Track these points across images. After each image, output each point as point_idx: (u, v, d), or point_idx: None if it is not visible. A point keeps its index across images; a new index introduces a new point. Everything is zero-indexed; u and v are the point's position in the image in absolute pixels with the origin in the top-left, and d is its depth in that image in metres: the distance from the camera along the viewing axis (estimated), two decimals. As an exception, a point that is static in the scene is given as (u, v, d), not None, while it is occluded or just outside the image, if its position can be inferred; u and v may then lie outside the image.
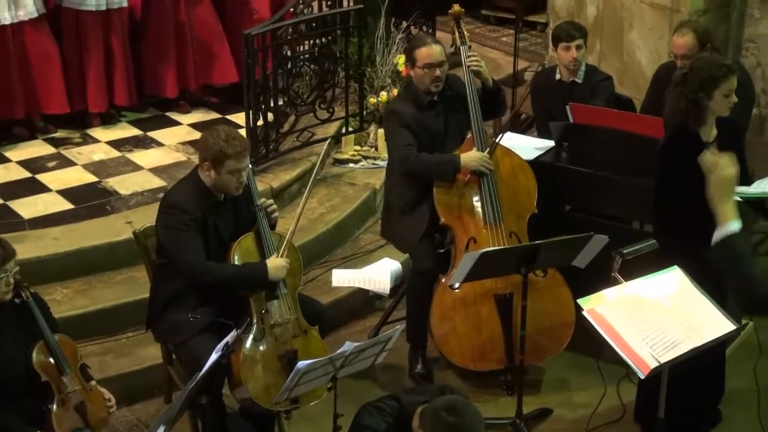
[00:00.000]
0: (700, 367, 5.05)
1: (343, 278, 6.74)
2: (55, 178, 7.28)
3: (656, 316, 4.56)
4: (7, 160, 7.49)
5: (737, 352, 6.01)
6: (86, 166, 7.46)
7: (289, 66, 7.57)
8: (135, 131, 8.02)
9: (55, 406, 4.82)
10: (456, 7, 6.28)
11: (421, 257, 6.00)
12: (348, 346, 4.73)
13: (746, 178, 5.35)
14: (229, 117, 8.17)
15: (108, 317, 6.15)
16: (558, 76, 6.92)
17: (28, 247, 6.26)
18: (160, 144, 7.83)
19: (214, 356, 4.70)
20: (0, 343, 4.80)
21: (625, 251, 5.28)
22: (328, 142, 6.21)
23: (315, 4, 8.02)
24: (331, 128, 7.91)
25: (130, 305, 6.14)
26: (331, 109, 7.79)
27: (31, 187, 7.16)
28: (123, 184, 7.21)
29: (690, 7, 7.75)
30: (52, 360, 4.86)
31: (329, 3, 8.06)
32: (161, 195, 6.87)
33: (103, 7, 7.66)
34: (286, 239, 5.35)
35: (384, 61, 8.30)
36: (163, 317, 5.32)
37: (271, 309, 5.26)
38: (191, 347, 5.17)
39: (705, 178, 3.94)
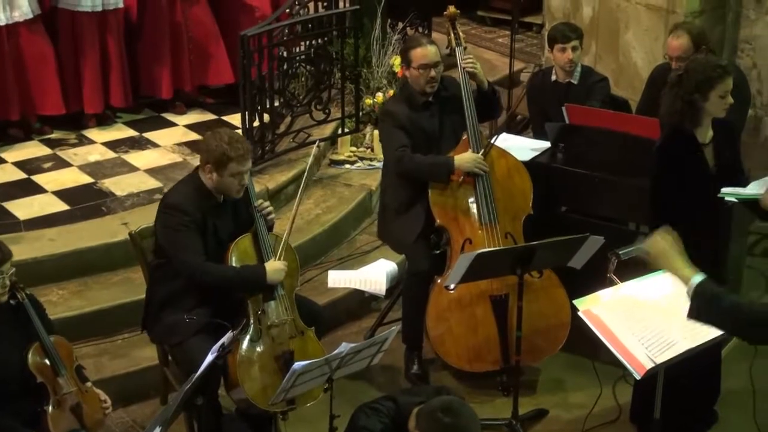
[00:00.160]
0: (696, 368, 5.05)
1: (339, 279, 6.75)
2: (51, 179, 7.27)
3: (652, 317, 4.56)
4: (3, 161, 7.48)
5: (733, 352, 6.01)
6: (82, 167, 7.45)
7: (285, 67, 7.57)
8: (131, 132, 8.01)
9: (50, 408, 4.81)
10: (451, 9, 6.28)
11: (416, 258, 6.01)
12: (344, 347, 4.73)
13: (742, 180, 5.36)
14: (224, 118, 8.17)
15: (104, 318, 6.15)
16: (554, 77, 6.92)
17: (24, 248, 6.26)
18: (155, 145, 7.83)
19: (210, 357, 4.70)
20: (-5, 344, 4.81)
21: (620, 252, 5.28)
22: (316, 144, 6.18)
23: (311, 5, 8.02)
24: (327, 129, 7.92)
25: (126, 306, 6.14)
26: (327, 110, 7.79)
27: (26, 188, 7.15)
28: (119, 185, 7.20)
29: (685, 9, 7.76)
30: (47, 361, 4.85)
31: (325, 4, 8.06)
32: (157, 196, 6.90)
33: (99, 8, 7.65)
34: (283, 241, 5.35)
35: (380, 62, 8.31)
36: (159, 318, 5.32)
37: (268, 310, 5.27)
38: (187, 348, 5.17)
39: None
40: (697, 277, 4.01)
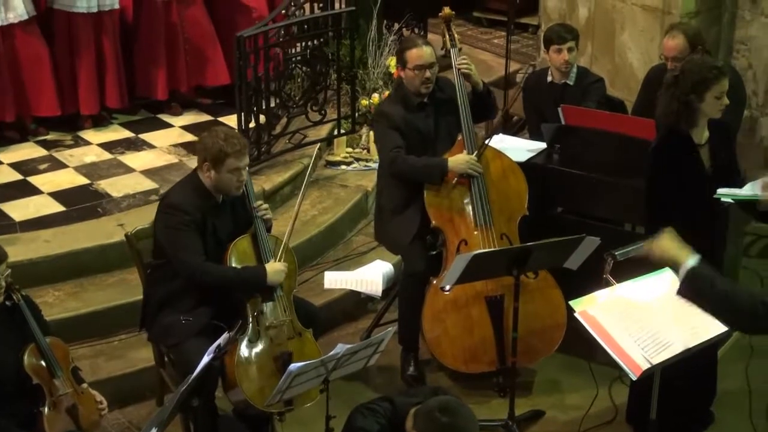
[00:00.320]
0: (692, 369, 5.05)
1: (336, 280, 6.75)
2: (47, 181, 7.27)
3: (648, 318, 4.56)
4: (-1, 163, 7.49)
5: (729, 353, 6.02)
6: (78, 169, 7.45)
7: (280, 68, 7.57)
8: (126, 133, 8.01)
9: (46, 409, 4.81)
10: (446, 10, 6.28)
11: (412, 259, 6.01)
12: (340, 348, 4.73)
13: (738, 180, 5.36)
14: (220, 119, 8.17)
15: (100, 320, 6.14)
16: (550, 78, 6.92)
17: (20, 250, 6.25)
18: (151, 146, 7.82)
19: (206, 358, 4.70)
20: (-9, 346, 4.81)
21: (617, 253, 5.28)
22: (317, 146, 6.19)
23: (307, 6, 8.02)
24: (323, 130, 7.91)
25: (122, 308, 6.14)
26: (323, 112, 7.79)
27: (22, 190, 7.14)
28: (115, 187, 7.20)
29: (681, 9, 7.76)
30: (43, 363, 4.85)
31: (321, 5, 8.06)
32: (153, 197, 6.90)
33: (95, 9, 7.64)
34: (284, 243, 5.37)
35: (376, 63, 8.31)
36: (157, 319, 5.32)
37: (266, 310, 5.28)
38: (184, 350, 5.17)
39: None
40: (693, 259, 4.03)
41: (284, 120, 7.68)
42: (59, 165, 7.49)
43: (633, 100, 7.06)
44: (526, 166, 6.23)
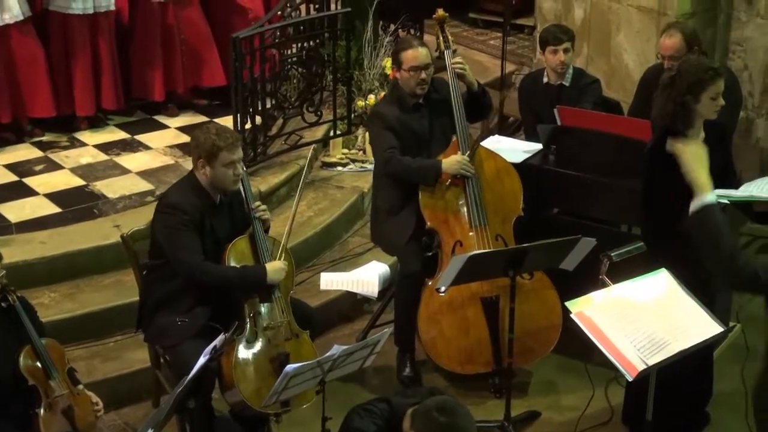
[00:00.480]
0: (688, 370, 5.05)
1: (332, 281, 6.75)
2: (43, 182, 7.26)
3: (644, 319, 4.57)
4: (-6, 164, 7.49)
5: (725, 353, 6.02)
6: (74, 170, 7.44)
7: (276, 69, 7.56)
8: (122, 135, 8.01)
9: (42, 411, 4.81)
10: (440, 12, 6.29)
11: (408, 260, 6.01)
12: (336, 349, 4.73)
13: (734, 181, 5.36)
14: (216, 120, 8.14)
15: (95, 321, 6.14)
16: (545, 79, 6.92)
17: (16, 251, 6.24)
18: (147, 147, 7.82)
19: (202, 360, 4.70)
20: (-13, 347, 4.80)
21: (612, 254, 5.29)
22: (312, 148, 6.19)
23: (303, 8, 8.02)
24: (319, 131, 7.91)
25: (118, 309, 6.13)
26: (318, 113, 7.78)
27: (18, 191, 7.14)
28: (110, 188, 7.19)
29: (677, 10, 7.77)
30: (39, 364, 4.85)
31: (317, 6, 8.06)
32: (149, 198, 6.90)
33: (90, 11, 7.64)
34: (282, 243, 5.38)
35: (372, 64, 8.30)
36: (153, 320, 5.32)
37: (263, 312, 5.28)
38: (180, 351, 5.17)
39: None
40: (712, 196, 3.95)
41: (280, 121, 7.67)
42: (55, 166, 7.49)
43: (629, 101, 7.07)
44: (522, 167, 6.24)
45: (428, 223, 5.96)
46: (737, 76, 7.19)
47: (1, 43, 7.41)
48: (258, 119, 7.37)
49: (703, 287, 4.82)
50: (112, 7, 7.79)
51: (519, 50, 10.69)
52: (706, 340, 4.60)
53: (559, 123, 6.52)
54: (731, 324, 5.93)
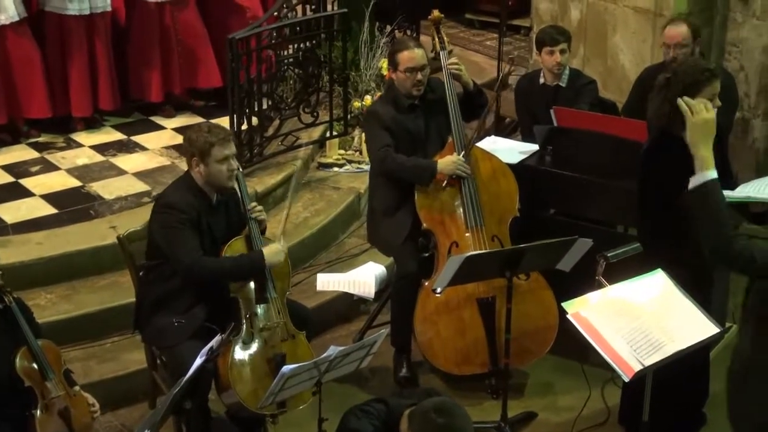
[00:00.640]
0: (684, 370, 5.05)
1: (328, 282, 6.75)
2: (39, 183, 7.26)
3: (640, 319, 4.56)
4: (-9, 165, 7.48)
5: (721, 354, 6.01)
6: (70, 171, 7.44)
7: (273, 70, 7.56)
8: (119, 135, 8.00)
9: (38, 412, 4.80)
10: (435, 13, 6.30)
11: (404, 260, 6.01)
12: (333, 350, 4.73)
13: (730, 182, 5.36)
14: (213, 121, 8.13)
15: (92, 322, 6.13)
16: (542, 80, 6.93)
17: (12, 252, 6.24)
18: (143, 148, 7.81)
19: (198, 360, 4.70)
20: (-17, 348, 4.79)
21: (609, 254, 5.29)
22: (310, 148, 6.20)
23: (299, 8, 8.02)
24: (316, 132, 7.91)
25: (114, 310, 6.13)
26: (315, 113, 7.79)
27: (14, 192, 7.13)
28: (107, 189, 7.19)
29: (673, 11, 7.78)
30: (35, 365, 4.84)
31: (313, 7, 8.06)
32: (145, 199, 6.90)
33: (87, 12, 7.64)
34: (280, 229, 5.38)
35: (368, 65, 8.31)
36: (151, 321, 5.32)
37: (259, 313, 5.28)
38: (177, 352, 5.17)
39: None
40: (713, 173, 3.95)
41: (277, 122, 7.67)
42: (51, 167, 7.48)
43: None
44: (519, 168, 6.24)
45: (424, 224, 5.96)
46: (733, 77, 7.18)
47: (-3, 44, 7.42)
48: (254, 120, 7.36)
49: (699, 288, 4.81)
50: (109, 8, 7.79)
51: (515, 51, 10.69)
52: (703, 340, 4.59)
53: (555, 124, 6.52)
54: (727, 325, 5.91)
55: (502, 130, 8.44)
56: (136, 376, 5.86)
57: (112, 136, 8.00)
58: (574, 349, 5.45)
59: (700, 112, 4.07)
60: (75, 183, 7.28)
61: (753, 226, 5.60)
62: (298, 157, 7.58)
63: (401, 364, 6.12)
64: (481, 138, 6.53)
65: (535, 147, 6.51)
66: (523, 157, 6.44)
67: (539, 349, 6.03)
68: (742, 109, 7.69)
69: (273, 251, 5.27)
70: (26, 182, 7.26)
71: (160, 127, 8.15)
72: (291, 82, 7.90)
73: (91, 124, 8.04)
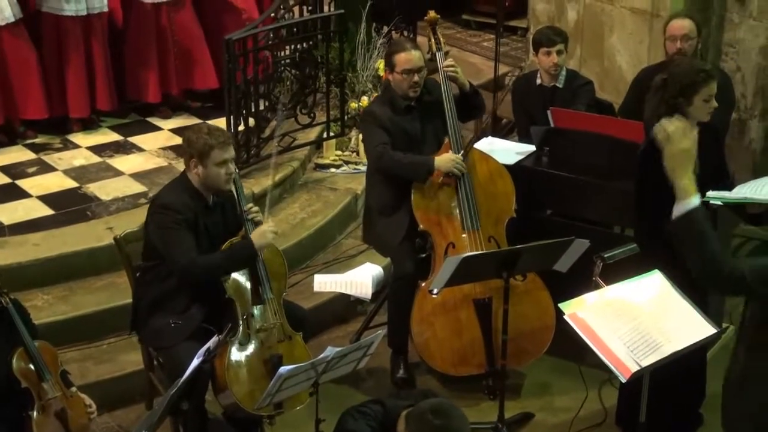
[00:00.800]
0: (681, 371, 5.06)
1: (325, 283, 6.75)
2: (36, 184, 7.25)
3: (637, 320, 4.57)
4: (-13, 166, 7.47)
5: (718, 355, 6.01)
6: (67, 172, 7.44)
7: (269, 71, 7.56)
8: (115, 136, 8.00)
9: (35, 413, 4.80)
10: (431, 14, 6.29)
11: (401, 261, 6.00)
12: (330, 351, 4.73)
13: (727, 183, 5.36)
14: (210, 122, 8.13)
15: (89, 323, 6.13)
16: (539, 81, 6.93)
17: (8, 253, 6.24)
18: (140, 149, 7.81)
19: (195, 362, 4.70)
20: (-20, 349, 4.79)
21: (606, 255, 5.29)
22: (289, 143, 6.20)
23: (296, 9, 8.02)
24: (313, 133, 7.91)
25: (111, 311, 6.13)
26: (312, 114, 7.79)
27: (11, 193, 7.13)
28: (104, 190, 7.19)
29: (670, 11, 7.76)
30: (32, 366, 4.84)
31: (310, 8, 8.06)
32: (142, 200, 6.89)
33: (83, 13, 7.63)
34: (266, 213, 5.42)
35: (365, 66, 8.30)
36: (148, 322, 5.31)
37: (256, 313, 5.27)
38: (174, 353, 5.17)
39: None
40: (695, 200, 3.89)
41: (273, 123, 7.67)
42: (48, 168, 7.48)
43: (622, 103, 7.08)
44: (515, 169, 6.24)
45: (421, 225, 5.95)
46: (730, 78, 7.19)
47: (-6, 45, 7.42)
48: (251, 121, 7.36)
49: (696, 288, 4.81)
50: (106, 9, 7.78)
51: (512, 52, 10.69)
52: (700, 341, 4.60)
53: (552, 124, 6.52)
54: (724, 325, 5.90)
55: (499, 130, 8.44)
56: (132, 377, 5.86)
57: (109, 137, 7.99)
58: (571, 350, 5.44)
59: (679, 142, 4.00)
60: (72, 184, 7.28)
61: (750, 227, 5.62)
62: (295, 158, 7.58)
63: (398, 365, 6.12)
64: (479, 139, 6.53)
65: (531, 148, 6.51)
66: (520, 157, 6.45)
67: (536, 349, 6.03)
68: (738, 110, 7.69)
69: (259, 232, 5.25)
70: (23, 183, 7.26)
71: (157, 128, 8.15)
72: (288, 83, 7.90)
73: (88, 125, 8.04)
